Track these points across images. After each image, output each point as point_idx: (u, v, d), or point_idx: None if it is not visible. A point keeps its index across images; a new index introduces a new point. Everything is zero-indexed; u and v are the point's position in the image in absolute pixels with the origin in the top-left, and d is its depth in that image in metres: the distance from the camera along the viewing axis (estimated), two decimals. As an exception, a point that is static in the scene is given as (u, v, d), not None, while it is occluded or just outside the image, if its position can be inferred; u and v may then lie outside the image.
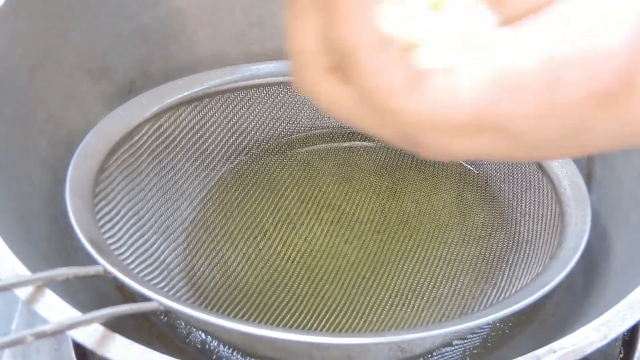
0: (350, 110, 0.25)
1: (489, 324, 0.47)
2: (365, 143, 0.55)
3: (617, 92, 0.23)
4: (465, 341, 0.46)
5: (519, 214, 0.50)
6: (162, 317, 0.47)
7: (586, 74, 0.23)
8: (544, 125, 0.24)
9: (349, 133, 0.56)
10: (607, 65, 0.23)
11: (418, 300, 0.45)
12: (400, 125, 0.25)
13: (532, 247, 0.47)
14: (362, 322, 0.44)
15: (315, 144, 0.56)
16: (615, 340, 0.41)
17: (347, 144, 0.56)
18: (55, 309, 0.34)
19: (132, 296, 0.45)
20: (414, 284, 0.46)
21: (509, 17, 0.25)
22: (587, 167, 0.51)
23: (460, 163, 0.55)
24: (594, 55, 0.23)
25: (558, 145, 0.25)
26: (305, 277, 0.46)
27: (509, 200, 0.51)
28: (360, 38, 0.23)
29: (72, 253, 0.44)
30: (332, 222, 0.50)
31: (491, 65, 0.24)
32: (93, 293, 0.43)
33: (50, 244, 0.44)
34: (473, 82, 0.24)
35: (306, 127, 0.56)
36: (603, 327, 0.35)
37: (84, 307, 0.35)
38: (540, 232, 0.47)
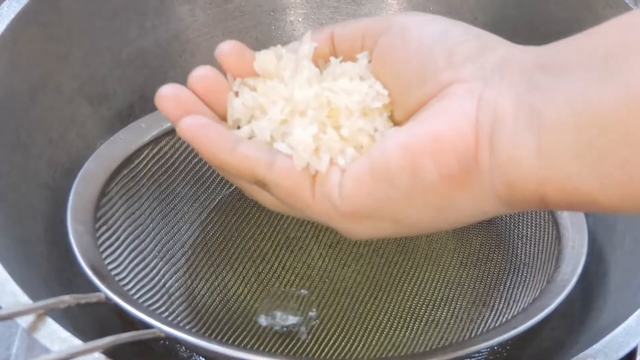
0: (280, 209, 0.33)
1: (486, 349, 0.47)
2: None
3: (463, 175, 0.27)
4: (463, 365, 0.46)
5: (516, 237, 0.50)
6: (164, 342, 0.47)
7: (436, 162, 0.27)
8: (414, 206, 0.28)
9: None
10: (449, 154, 0.27)
11: (416, 323, 0.46)
12: (310, 217, 0.32)
13: (530, 270, 0.47)
14: (360, 345, 0.44)
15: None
16: (613, 366, 0.41)
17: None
18: (56, 338, 0.34)
19: (132, 322, 0.45)
20: (412, 307, 0.46)
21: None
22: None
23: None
24: (440, 147, 0.27)
25: (433, 222, 0.29)
26: (304, 300, 0.46)
27: (506, 222, 0.51)
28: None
29: (72, 278, 0.44)
30: (330, 245, 0.50)
31: (368, 161, 0.29)
32: (93, 319, 0.43)
33: (51, 269, 0.44)
34: (353, 177, 0.29)
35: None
36: (600, 354, 0.35)
37: (84, 334, 0.35)
38: (538, 255, 0.47)
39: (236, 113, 0.33)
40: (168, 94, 0.33)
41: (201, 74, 0.34)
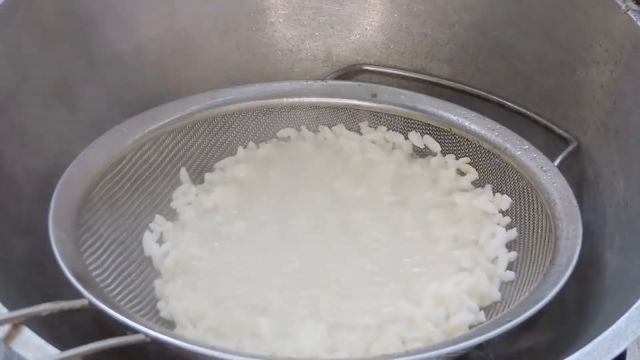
0: None
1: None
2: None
3: None
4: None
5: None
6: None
7: None
8: None
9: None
10: None
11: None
12: None
13: (525, 262, 0.46)
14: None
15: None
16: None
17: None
18: (31, 346, 0.33)
19: (109, 328, 0.43)
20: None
21: None
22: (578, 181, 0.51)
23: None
24: None
25: None
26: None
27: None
28: None
29: (48, 285, 0.42)
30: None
31: None
32: (69, 326, 0.41)
33: (27, 275, 0.43)
34: None
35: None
36: (588, 357, 0.34)
37: (60, 342, 0.34)
38: (532, 248, 0.46)
39: None
40: None
41: None
